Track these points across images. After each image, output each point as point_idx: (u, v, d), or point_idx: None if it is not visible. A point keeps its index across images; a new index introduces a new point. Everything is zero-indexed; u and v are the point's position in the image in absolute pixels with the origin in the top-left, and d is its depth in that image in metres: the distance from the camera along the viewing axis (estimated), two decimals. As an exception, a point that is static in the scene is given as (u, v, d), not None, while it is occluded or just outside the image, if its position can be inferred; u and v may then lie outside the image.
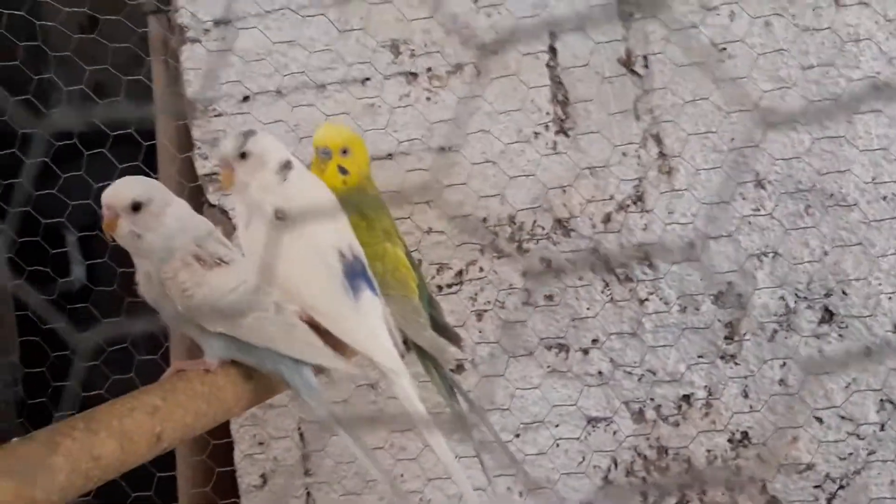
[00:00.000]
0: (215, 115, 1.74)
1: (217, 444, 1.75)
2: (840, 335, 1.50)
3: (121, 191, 1.10)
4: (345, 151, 1.40)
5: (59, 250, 1.93)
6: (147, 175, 1.71)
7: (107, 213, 1.09)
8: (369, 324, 1.23)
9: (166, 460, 1.76)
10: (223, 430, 1.75)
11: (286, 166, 1.21)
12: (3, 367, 2.52)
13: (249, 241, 1.19)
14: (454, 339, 1.43)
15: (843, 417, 1.51)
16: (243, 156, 1.18)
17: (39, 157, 1.81)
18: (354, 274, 1.23)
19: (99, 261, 1.86)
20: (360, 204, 1.41)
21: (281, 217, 1.19)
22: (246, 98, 1.71)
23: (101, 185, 1.78)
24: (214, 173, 1.70)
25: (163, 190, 1.14)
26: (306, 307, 1.18)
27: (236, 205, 1.24)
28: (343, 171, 1.40)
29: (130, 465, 0.92)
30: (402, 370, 1.23)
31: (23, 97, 1.89)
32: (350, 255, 1.24)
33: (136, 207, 1.09)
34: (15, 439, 0.84)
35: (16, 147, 1.85)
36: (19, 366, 2.51)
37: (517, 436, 1.62)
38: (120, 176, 1.78)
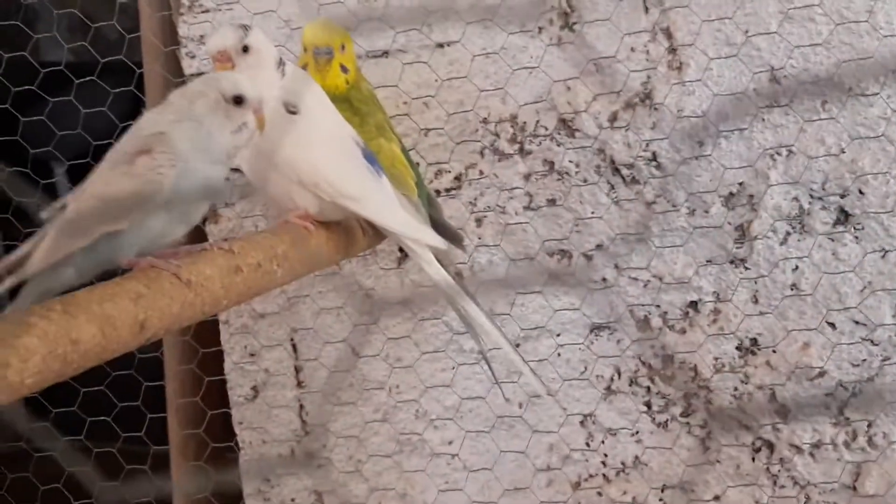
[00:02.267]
0: (202, 12, 1.66)
1: (206, 353, 1.69)
2: (856, 237, 1.44)
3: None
4: (343, 48, 1.35)
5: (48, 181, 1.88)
6: (139, 101, 1.68)
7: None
8: (395, 204, 1.24)
9: (154, 369, 1.71)
10: (213, 338, 1.70)
11: (281, 62, 1.19)
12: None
13: (265, 139, 1.14)
14: (456, 239, 1.38)
15: (856, 322, 1.45)
16: (245, 49, 1.15)
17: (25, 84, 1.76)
18: (370, 159, 1.23)
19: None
20: (352, 99, 1.35)
21: (293, 110, 1.17)
22: (234, -7, 1.63)
23: (88, 111, 1.74)
24: (202, 73, 1.62)
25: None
26: (337, 194, 1.18)
27: None
28: (344, 69, 1.35)
29: (112, 353, 0.86)
30: (439, 242, 1.24)
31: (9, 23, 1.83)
32: (361, 143, 1.24)
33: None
34: (-18, 313, 0.78)
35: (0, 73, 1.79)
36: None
37: (517, 345, 1.56)
38: (111, 103, 1.74)
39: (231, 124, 1.01)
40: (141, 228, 0.96)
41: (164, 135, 0.98)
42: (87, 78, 1.76)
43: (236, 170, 1.58)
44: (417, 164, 1.51)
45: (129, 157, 0.97)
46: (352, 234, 1.26)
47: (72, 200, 0.99)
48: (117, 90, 1.76)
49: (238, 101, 1.02)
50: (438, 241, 1.24)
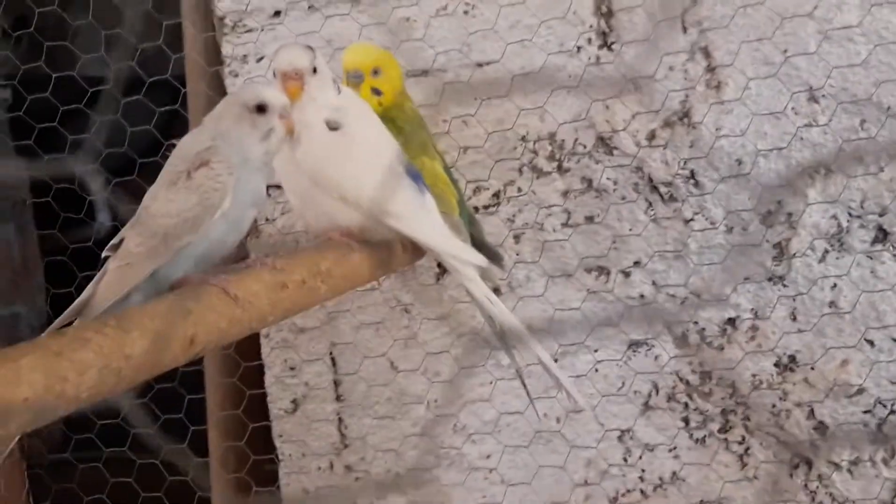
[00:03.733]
0: (245, 31, 1.69)
1: (248, 367, 1.72)
2: (894, 255, 1.44)
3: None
4: (376, 72, 1.37)
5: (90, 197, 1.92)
6: (182, 119, 1.71)
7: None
8: (439, 222, 1.25)
9: (196, 382, 1.74)
10: (254, 352, 1.72)
11: (335, 80, 1.23)
12: (31, 314, 2.52)
13: (308, 156, 1.17)
14: (495, 258, 1.40)
15: (895, 340, 1.45)
16: (315, 70, 1.18)
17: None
18: (414, 175, 1.24)
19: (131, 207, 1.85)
20: (396, 119, 1.37)
21: (334, 127, 1.19)
22: (277, 13, 1.66)
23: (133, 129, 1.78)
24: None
25: None
26: (380, 211, 1.19)
27: None
28: (377, 92, 1.37)
29: (163, 367, 0.89)
30: (482, 261, 1.24)
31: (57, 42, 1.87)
32: (405, 160, 1.25)
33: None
34: (44, 334, 0.81)
35: (48, 92, 1.83)
36: (47, 311, 2.52)
37: (556, 360, 1.57)
38: (156, 121, 1.78)
39: (258, 132, 1.05)
40: (204, 239, 1.00)
41: (215, 147, 1.02)
42: (134, 97, 1.79)
43: (276, 186, 1.62)
44: (457, 181, 1.53)
45: (185, 174, 1.00)
46: (392, 250, 1.28)
47: (129, 234, 1.03)
48: (162, 108, 1.80)
49: (261, 109, 1.05)
50: (480, 260, 1.25)
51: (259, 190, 1.05)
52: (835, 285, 1.47)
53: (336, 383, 1.72)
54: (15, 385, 0.70)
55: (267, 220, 1.70)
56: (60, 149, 1.85)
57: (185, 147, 1.05)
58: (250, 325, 1.01)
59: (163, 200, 1.01)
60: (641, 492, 1.59)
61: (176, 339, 0.90)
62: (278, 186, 1.25)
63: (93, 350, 0.79)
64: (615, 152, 1.54)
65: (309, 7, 1.63)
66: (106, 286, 1.01)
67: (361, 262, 1.23)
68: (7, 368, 0.70)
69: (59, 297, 1.95)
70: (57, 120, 1.86)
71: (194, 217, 0.99)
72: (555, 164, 1.57)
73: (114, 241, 1.04)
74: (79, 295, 1.02)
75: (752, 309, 1.50)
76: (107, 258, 1.04)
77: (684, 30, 1.49)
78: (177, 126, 1.72)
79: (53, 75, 1.84)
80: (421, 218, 1.22)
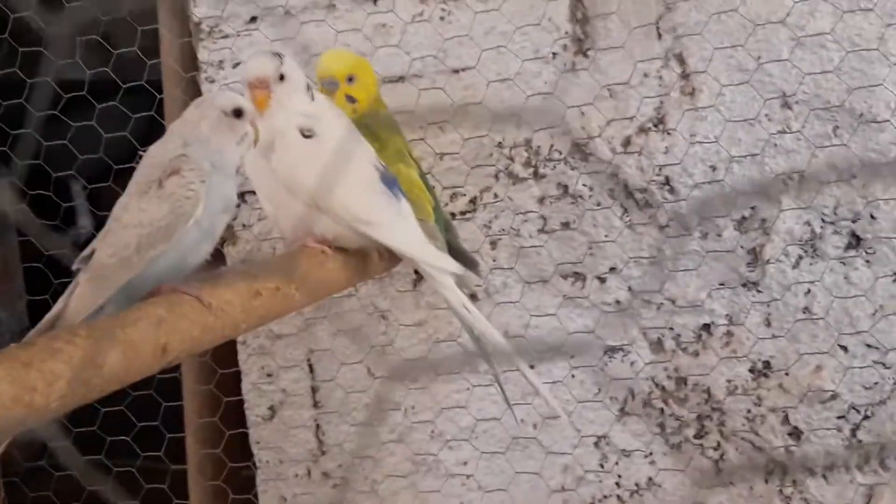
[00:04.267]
0: (222, 37, 1.68)
1: (224, 374, 1.71)
2: (867, 261, 1.45)
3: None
4: (350, 79, 1.37)
5: (69, 204, 1.91)
6: (158, 125, 1.71)
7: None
8: (415, 229, 1.24)
9: (172, 389, 1.73)
10: (231, 359, 1.72)
11: (309, 87, 1.22)
12: (11, 320, 2.51)
13: (282, 164, 1.17)
14: (471, 265, 1.40)
15: (868, 346, 1.46)
16: (281, 77, 1.18)
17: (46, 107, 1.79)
18: (389, 182, 1.23)
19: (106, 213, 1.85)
20: (371, 125, 1.37)
21: (308, 135, 1.19)
22: (253, 19, 1.66)
23: (109, 135, 1.78)
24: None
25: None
26: (354, 219, 1.19)
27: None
28: (351, 99, 1.37)
29: (135, 376, 0.88)
30: (457, 269, 1.25)
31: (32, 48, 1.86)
32: (381, 166, 1.24)
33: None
34: (13, 344, 0.80)
35: (23, 97, 1.82)
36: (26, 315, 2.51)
37: (532, 366, 1.58)
38: (132, 126, 1.77)
39: (235, 136, 1.06)
40: (177, 248, 1.00)
41: (186, 156, 1.02)
42: (109, 102, 1.79)
43: (252, 192, 1.61)
44: (433, 187, 1.53)
45: (156, 183, 1.00)
46: (368, 257, 1.28)
47: (100, 245, 1.02)
48: (137, 114, 1.79)
49: (238, 113, 1.06)
50: (456, 268, 1.25)
51: (230, 196, 1.06)
52: (808, 291, 1.48)
53: (314, 390, 1.72)
54: (-18, 396, 0.70)
55: (244, 226, 1.69)
56: (36, 155, 1.84)
57: (155, 156, 1.05)
58: (223, 332, 1.01)
59: (134, 210, 1.01)
60: (618, 497, 1.59)
61: (148, 347, 0.89)
62: (255, 192, 1.24)
63: (63, 360, 0.79)
64: (590, 158, 1.54)
65: (285, 13, 1.63)
66: (78, 299, 1.00)
67: (337, 269, 1.23)
68: (-26, 379, 0.70)
69: (36, 303, 1.95)
70: (32, 125, 1.85)
71: (167, 226, 0.99)
72: (531, 171, 1.57)
73: (84, 252, 1.04)
74: (54, 301, 1.02)
75: (727, 315, 1.51)
76: (78, 270, 1.03)
77: (659, 36, 1.50)
78: (153, 132, 1.71)
79: (28, 81, 1.83)
80: (396, 226, 1.22)
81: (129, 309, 0.93)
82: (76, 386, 0.80)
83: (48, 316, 1.02)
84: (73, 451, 1.80)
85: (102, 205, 1.99)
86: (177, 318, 0.94)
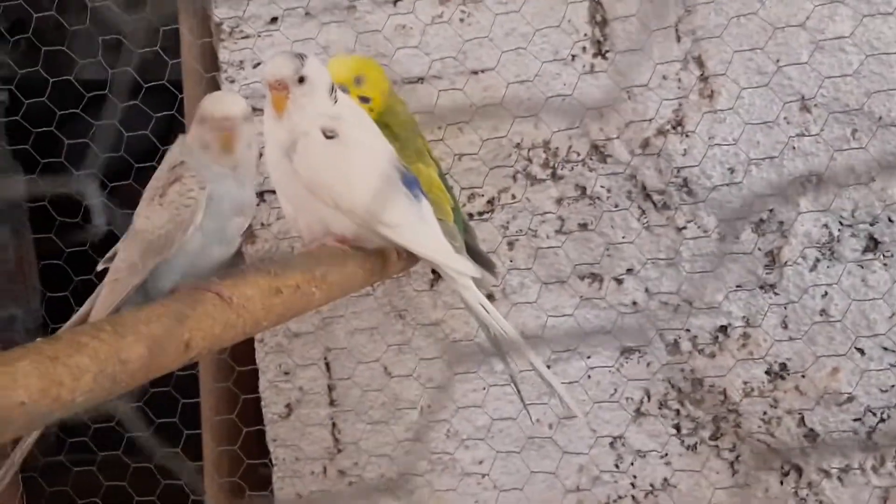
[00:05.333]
0: (242, 38, 1.69)
1: (242, 371, 1.72)
2: (885, 264, 1.45)
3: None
4: (358, 81, 1.38)
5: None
6: (179, 124, 1.72)
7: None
8: (435, 230, 1.25)
9: (190, 386, 1.75)
10: (249, 356, 1.73)
11: (333, 88, 1.22)
12: (26, 317, 2.53)
13: (304, 165, 1.17)
14: (488, 266, 1.40)
15: (885, 348, 1.46)
16: (301, 80, 1.18)
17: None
18: (410, 183, 1.23)
19: (124, 211, 1.86)
20: (391, 125, 1.38)
21: (331, 136, 1.19)
22: (274, 19, 1.67)
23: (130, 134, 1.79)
24: (246, 97, 1.66)
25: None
26: (373, 220, 1.19)
27: (273, 129, 1.21)
28: (364, 100, 1.38)
29: (158, 372, 0.89)
30: (475, 273, 1.25)
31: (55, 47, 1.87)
32: (402, 167, 1.25)
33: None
34: (40, 339, 0.81)
35: (45, 96, 1.84)
36: (42, 314, 2.52)
37: (548, 366, 1.58)
38: (153, 126, 1.79)
39: (198, 143, 1.04)
40: (183, 254, 1.00)
41: (185, 163, 1.02)
42: (131, 102, 1.80)
43: (270, 191, 1.62)
44: (451, 187, 1.54)
45: (160, 191, 1.01)
46: (387, 256, 1.29)
47: (120, 248, 1.04)
48: (159, 114, 1.81)
49: (202, 120, 1.05)
50: (473, 270, 1.26)
51: (243, 199, 1.05)
52: (826, 294, 1.48)
53: (330, 388, 1.73)
54: (11, 390, 0.70)
55: (263, 224, 1.70)
56: (57, 153, 1.86)
57: (165, 161, 1.06)
58: (244, 329, 1.02)
59: (143, 217, 1.02)
60: (633, 498, 1.59)
61: (171, 343, 0.90)
62: (273, 192, 1.25)
63: (88, 355, 0.80)
64: (609, 160, 1.55)
65: (305, 14, 1.64)
66: (101, 300, 1.02)
67: (356, 269, 1.23)
68: (3, 373, 0.71)
69: (54, 300, 1.96)
70: (54, 124, 1.87)
71: (166, 234, 1.00)
72: (549, 172, 1.58)
73: (109, 254, 1.05)
74: (73, 299, 1.03)
75: (744, 317, 1.51)
76: (105, 270, 1.05)
77: (678, 39, 1.50)
78: (173, 131, 1.72)
79: (51, 79, 1.85)
80: (415, 228, 1.23)
81: (152, 305, 0.94)
82: (102, 380, 0.81)
83: (78, 313, 1.03)
84: (90, 447, 1.81)
85: (124, 203, 2.01)
86: (199, 315, 0.95)
